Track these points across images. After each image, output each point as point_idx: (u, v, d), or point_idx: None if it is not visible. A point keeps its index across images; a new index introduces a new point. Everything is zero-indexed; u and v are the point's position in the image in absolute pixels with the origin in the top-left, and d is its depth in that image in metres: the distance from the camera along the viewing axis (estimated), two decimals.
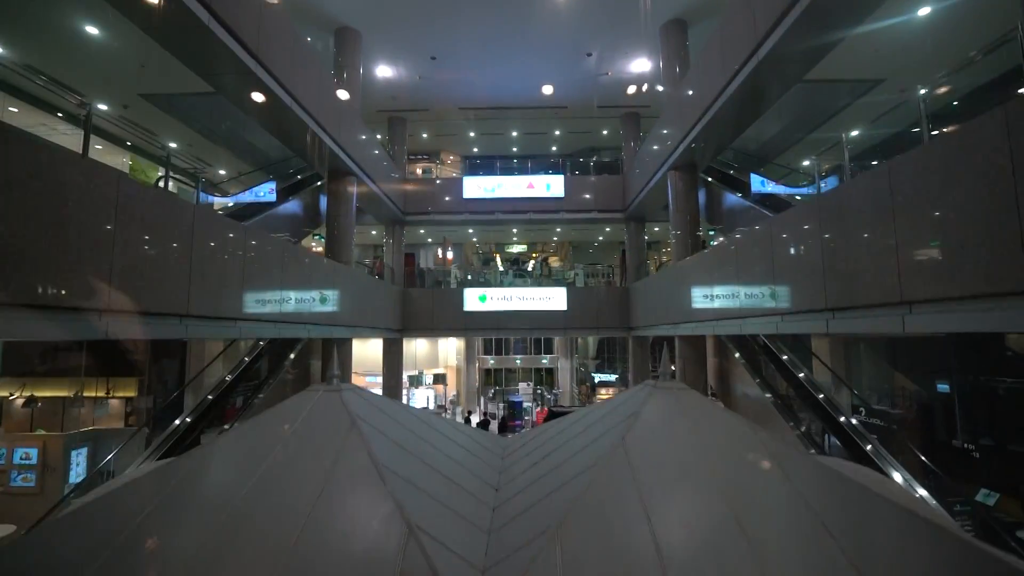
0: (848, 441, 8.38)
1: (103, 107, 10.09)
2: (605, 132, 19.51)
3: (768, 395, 9.94)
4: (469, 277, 23.18)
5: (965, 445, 8.93)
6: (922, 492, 7.17)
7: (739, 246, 8.42)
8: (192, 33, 6.96)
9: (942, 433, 9.51)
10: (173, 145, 12.11)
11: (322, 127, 10.49)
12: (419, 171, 20.51)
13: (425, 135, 19.76)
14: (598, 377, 20.47)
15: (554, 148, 21.44)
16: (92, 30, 7.78)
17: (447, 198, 17.26)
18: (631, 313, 16.12)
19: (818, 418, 9.02)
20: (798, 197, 11.63)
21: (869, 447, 8.48)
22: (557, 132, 19.68)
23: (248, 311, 7.41)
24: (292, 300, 8.92)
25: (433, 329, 17.00)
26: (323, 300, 10.22)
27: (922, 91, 5.42)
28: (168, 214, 5.86)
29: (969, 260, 4.11)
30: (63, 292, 4.39)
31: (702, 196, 13.68)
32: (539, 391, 21.54)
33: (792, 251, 6.89)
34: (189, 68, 7.87)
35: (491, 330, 16.92)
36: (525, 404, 20.42)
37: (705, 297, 10.05)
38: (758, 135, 12.84)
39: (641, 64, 14.96)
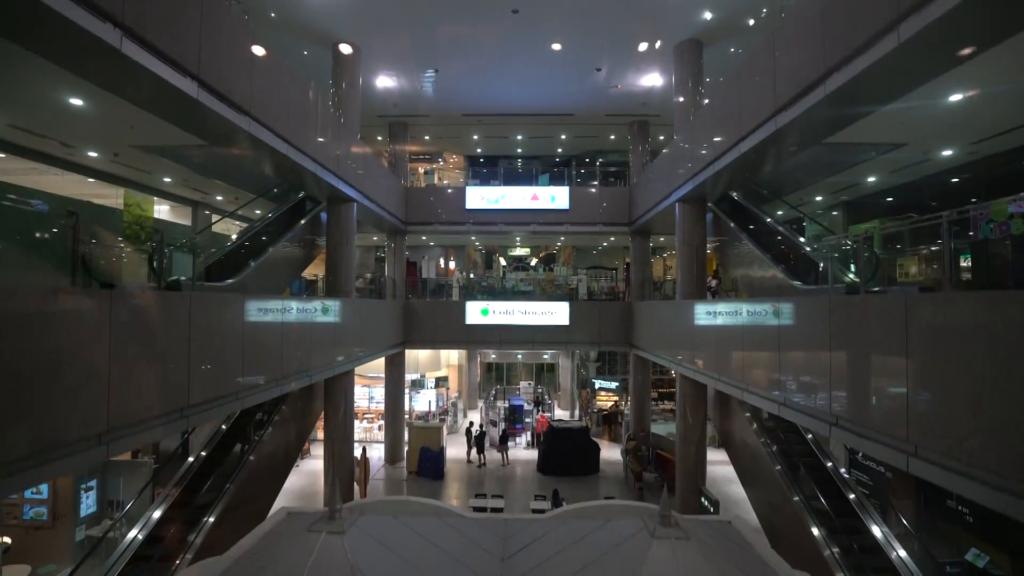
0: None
1: (92, 154, 9.75)
2: (612, 137, 18.92)
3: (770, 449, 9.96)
4: (472, 276, 23.08)
5: (959, 507, 9.01)
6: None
7: (747, 315, 8.28)
8: (182, 104, 6.65)
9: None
10: (167, 180, 11.79)
11: (321, 164, 10.18)
12: (421, 171, 20.06)
13: (427, 137, 19.20)
14: (598, 383, 20.57)
15: (559, 150, 20.87)
16: (78, 102, 7.44)
17: (450, 207, 16.94)
18: (633, 331, 16.07)
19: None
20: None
21: (852, 496, 8.64)
22: (563, 136, 19.10)
23: (248, 381, 7.39)
24: (294, 355, 8.89)
25: (435, 342, 17.02)
26: (323, 343, 10.19)
27: None
28: (165, 310, 5.77)
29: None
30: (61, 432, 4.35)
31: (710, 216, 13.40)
32: (539, 392, 21.71)
33: (799, 345, 6.77)
34: (181, 129, 7.58)
35: (493, 343, 16.92)
36: (526, 406, 20.66)
37: (708, 348, 9.97)
38: (770, 173, 12.47)
39: (653, 79, 14.36)
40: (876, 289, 6.34)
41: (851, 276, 7.80)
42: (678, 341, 12.06)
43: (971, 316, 4.21)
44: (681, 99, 12.77)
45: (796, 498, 9.84)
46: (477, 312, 16.53)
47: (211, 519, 8.53)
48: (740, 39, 12.35)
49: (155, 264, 7.11)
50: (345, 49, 12.69)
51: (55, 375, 4.25)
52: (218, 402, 6.79)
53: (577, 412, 22.68)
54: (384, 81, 14.61)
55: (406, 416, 18.09)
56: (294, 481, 13.90)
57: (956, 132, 8.68)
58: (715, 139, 9.71)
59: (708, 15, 11.32)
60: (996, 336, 3.88)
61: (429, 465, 15.59)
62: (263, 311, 7.98)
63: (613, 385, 19.83)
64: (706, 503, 10.95)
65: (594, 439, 16.57)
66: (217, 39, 6.89)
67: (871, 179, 11.83)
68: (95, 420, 4.66)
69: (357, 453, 12.80)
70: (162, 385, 5.64)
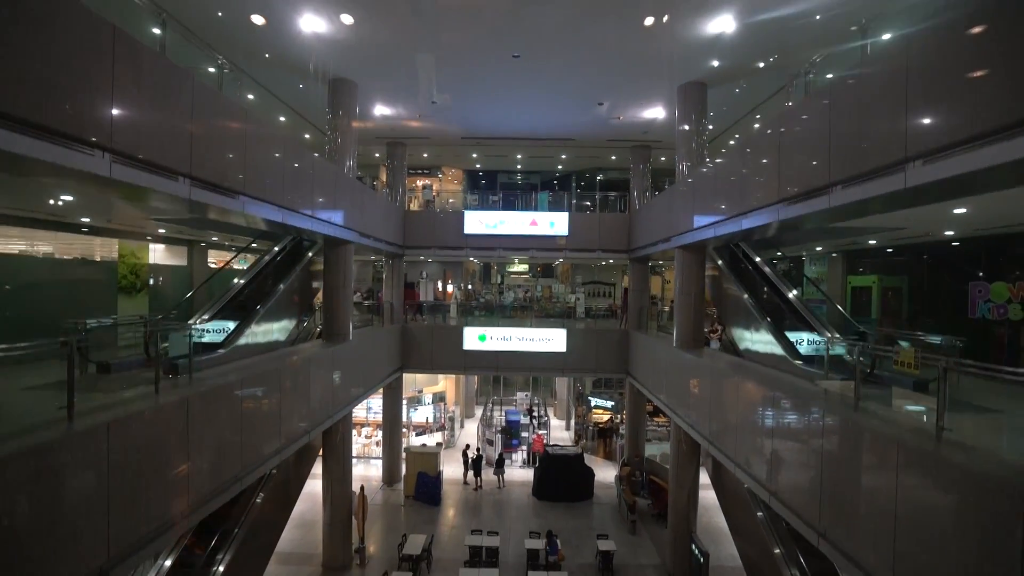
0: None
1: (84, 220, 9.59)
2: (613, 157, 18.65)
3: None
4: (470, 287, 23.02)
5: None
6: None
7: (740, 394, 8.31)
8: (175, 200, 6.53)
9: None
10: (162, 231, 11.60)
11: (317, 219, 10.06)
12: (419, 186, 19.80)
13: (426, 155, 18.89)
14: (594, 400, 20.76)
15: (559, 167, 20.59)
16: (69, 197, 7.27)
17: (448, 232, 16.78)
18: (630, 361, 16.15)
19: None
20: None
21: None
22: (563, 156, 18.82)
23: (247, 459, 7.46)
24: (293, 414, 8.94)
25: (433, 366, 17.08)
26: (322, 394, 10.24)
27: None
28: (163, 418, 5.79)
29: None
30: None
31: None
32: (536, 406, 21.86)
33: (794, 444, 6.82)
34: (176, 214, 7.46)
35: (490, 369, 17.00)
36: (522, 420, 20.89)
37: (702, 408, 10.04)
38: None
39: (656, 112, 14.09)
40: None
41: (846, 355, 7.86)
42: (673, 390, 12.14)
43: None
44: (684, 139, 12.52)
45: (777, 551, 10.16)
46: (475, 338, 16.57)
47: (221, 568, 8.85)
48: (745, 81, 12.09)
49: (150, 351, 7.12)
50: (342, 81, 12.38)
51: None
52: (216, 497, 6.86)
53: (572, 424, 22.94)
54: (382, 109, 14.30)
55: (403, 431, 18.30)
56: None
57: (958, 223, 8.60)
58: (717, 205, 9.59)
59: (715, 63, 11.05)
60: None
61: (426, 490, 15.85)
62: (260, 378, 8.00)
63: (609, 404, 20.01)
64: (696, 552, 11.20)
65: (588, 465, 16.78)
66: (207, 132, 6.72)
67: (871, 241, 11.77)
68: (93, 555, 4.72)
69: (356, 488, 12.99)
70: (164, 491, 5.71)
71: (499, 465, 17.27)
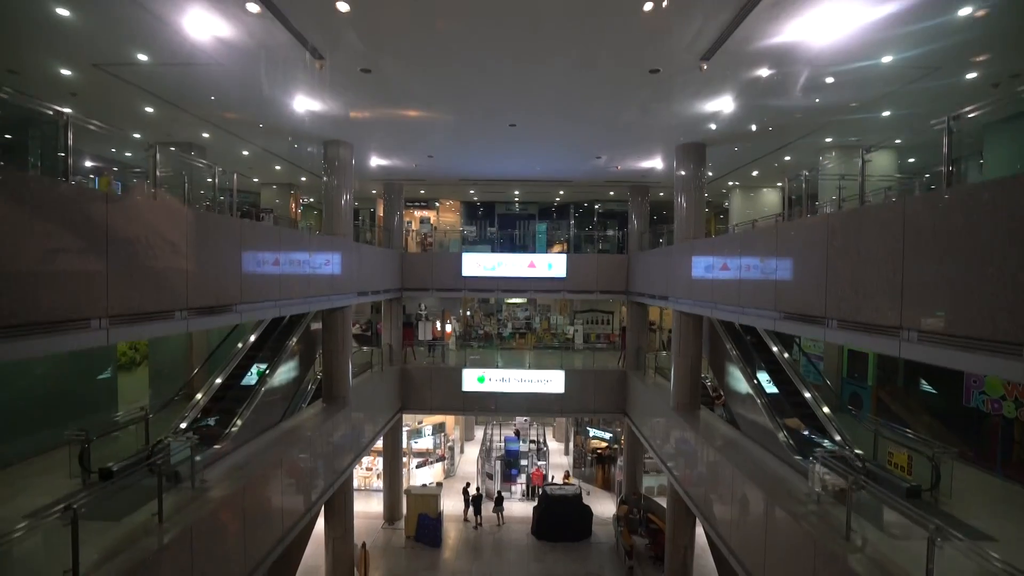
0: None
1: None
2: (612, 193, 18.57)
3: None
4: (469, 313, 23.05)
5: None
6: None
7: (731, 482, 8.39)
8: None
9: None
10: None
11: (314, 299, 10.07)
12: (416, 217, 19.73)
13: (423, 191, 18.80)
14: (592, 431, 20.93)
15: (557, 200, 20.49)
16: None
17: (445, 273, 16.77)
18: (627, 402, 16.28)
19: None
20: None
21: None
22: (561, 192, 18.73)
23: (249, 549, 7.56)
24: (295, 494, 9.04)
25: (432, 408, 17.21)
26: (325, 463, 10.34)
27: None
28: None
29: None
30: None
31: None
32: (536, 435, 21.95)
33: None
34: None
35: (489, 411, 17.14)
36: (522, 446, 21.06)
37: (693, 470, 10.16)
38: None
39: (654, 163, 14.00)
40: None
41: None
42: (667, 449, 12.28)
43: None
44: (683, 188, 12.30)
45: None
46: (474, 379, 16.67)
47: None
48: (744, 141, 12.01)
49: (153, 468, 7.20)
50: (337, 143, 12.27)
51: None
52: None
53: (571, 447, 23.04)
54: (378, 161, 14.20)
55: (404, 460, 18.47)
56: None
57: None
58: (715, 286, 9.59)
59: (713, 127, 10.96)
60: None
61: (427, 532, 16.06)
62: (263, 478, 8.09)
63: (607, 436, 20.18)
64: None
65: (587, 504, 16.97)
66: (202, 260, 6.69)
67: None
68: None
69: (358, 543, 13.18)
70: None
71: (498, 504, 17.48)
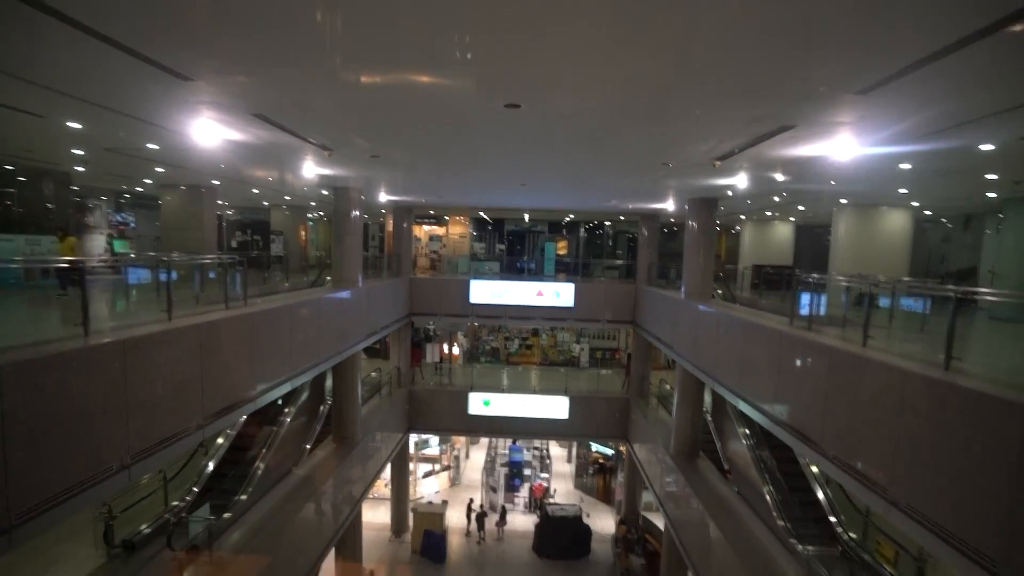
0: None
1: None
2: (622, 217, 18.43)
3: None
4: (477, 325, 23.19)
5: None
6: None
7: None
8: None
9: None
10: None
11: (326, 361, 10.30)
12: (425, 233, 19.76)
13: (432, 212, 18.76)
14: (595, 446, 21.36)
15: (567, 219, 20.37)
16: None
17: (453, 300, 16.89)
18: (630, 429, 16.61)
19: None
20: None
21: None
22: (571, 215, 18.62)
23: None
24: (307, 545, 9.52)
25: (439, 429, 17.65)
26: (333, 506, 10.81)
27: None
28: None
29: None
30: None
31: None
32: (538, 447, 22.43)
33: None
34: None
35: (494, 433, 17.58)
36: (525, 455, 21.64)
37: (687, 517, 10.51)
38: None
39: (666, 205, 13.87)
40: None
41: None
42: (664, 490, 12.62)
43: None
44: (693, 235, 12.22)
45: None
46: (479, 403, 17.02)
47: None
48: (759, 199, 11.87)
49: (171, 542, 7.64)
50: (346, 189, 12.26)
51: None
52: None
53: (574, 454, 23.51)
54: (387, 196, 14.18)
55: (411, 467, 19.05)
56: None
57: None
58: (717, 364, 9.68)
59: (728, 193, 10.83)
60: None
61: (432, 547, 16.73)
62: (274, 546, 8.52)
63: (610, 452, 20.61)
64: None
65: (586, 524, 17.52)
66: (216, 366, 6.88)
67: None
68: None
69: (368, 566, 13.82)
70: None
71: (502, 517, 18.11)
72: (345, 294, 11.54)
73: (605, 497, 20.95)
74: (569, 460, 24.30)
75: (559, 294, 16.79)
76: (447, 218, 20.97)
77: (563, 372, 19.52)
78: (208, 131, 6.41)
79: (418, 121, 5.89)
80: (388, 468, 18.79)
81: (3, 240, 10.53)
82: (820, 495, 9.31)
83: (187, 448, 6.44)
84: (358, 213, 12.47)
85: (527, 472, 21.19)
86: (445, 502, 18.18)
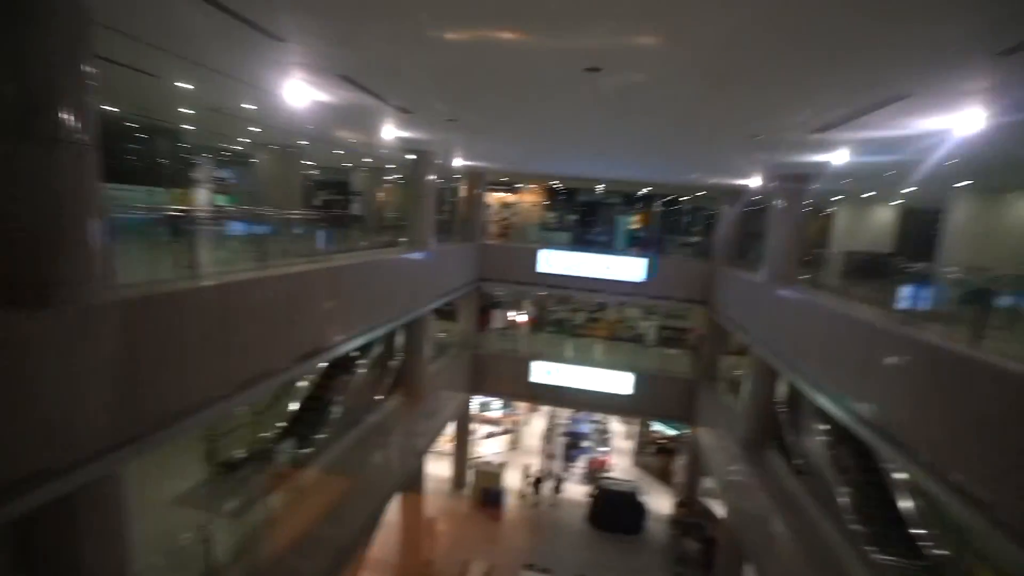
0: None
1: None
2: (701, 193, 17.48)
3: None
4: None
5: None
6: None
7: None
8: None
9: None
10: None
11: (400, 318, 10.78)
12: (497, 200, 19.83)
13: (505, 178, 18.74)
14: (656, 426, 20.89)
15: (643, 191, 19.59)
16: None
17: (522, 267, 16.94)
18: (696, 410, 16.16)
19: None
20: None
21: None
22: (647, 189, 17.91)
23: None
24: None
25: (500, 394, 18.07)
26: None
27: None
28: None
29: None
30: None
31: None
32: (599, 419, 22.44)
33: None
34: None
35: (555, 402, 17.76)
36: (586, 427, 21.77)
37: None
38: None
39: (752, 181, 12.97)
40: None
41: None
42: (727, 479, 12.25)
43: None
44: (777, 228, 11.45)
45: None
46: (542, 371, 17.20)
47: None
48: (854, 173, 10.80)
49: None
50: (425, 155, 12.48)
51: None
52: None
53: (635, 432, 23.27)
54: (463, 161, 14.32)
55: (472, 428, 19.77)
56: None
57: None
58: (796, 353, 9.12)
59: (823, 169, 9.94)
60: None
61: (490, 504, 17.42)
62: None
63: (672, 432, 20.17)
64: None
65: (642, 501, 17.40)
66: (309, 312, 7.40)
67: None
68: None
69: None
70: None
71: (558, 485, 18.45)
72: (418, 255, 11.90)
73: (664, 478, 20.68)
74: (629, 437, 24.12)
75: (630, 269, 16.37)
76: (519, 186, 20.88)
77: (629, 347, 19.24)
78: (298, 91, 6.74)
79: (496, 84, 5.85)
80: (451, 426, 19.70)
81: (129, 191, 11.86)
82: (904, 503, 8.64)
83: (280, 383, 7.00)
84: (433, 177, 12.74)
85: (585, 444, 21.36)
86: (504, 463, 18.75)
